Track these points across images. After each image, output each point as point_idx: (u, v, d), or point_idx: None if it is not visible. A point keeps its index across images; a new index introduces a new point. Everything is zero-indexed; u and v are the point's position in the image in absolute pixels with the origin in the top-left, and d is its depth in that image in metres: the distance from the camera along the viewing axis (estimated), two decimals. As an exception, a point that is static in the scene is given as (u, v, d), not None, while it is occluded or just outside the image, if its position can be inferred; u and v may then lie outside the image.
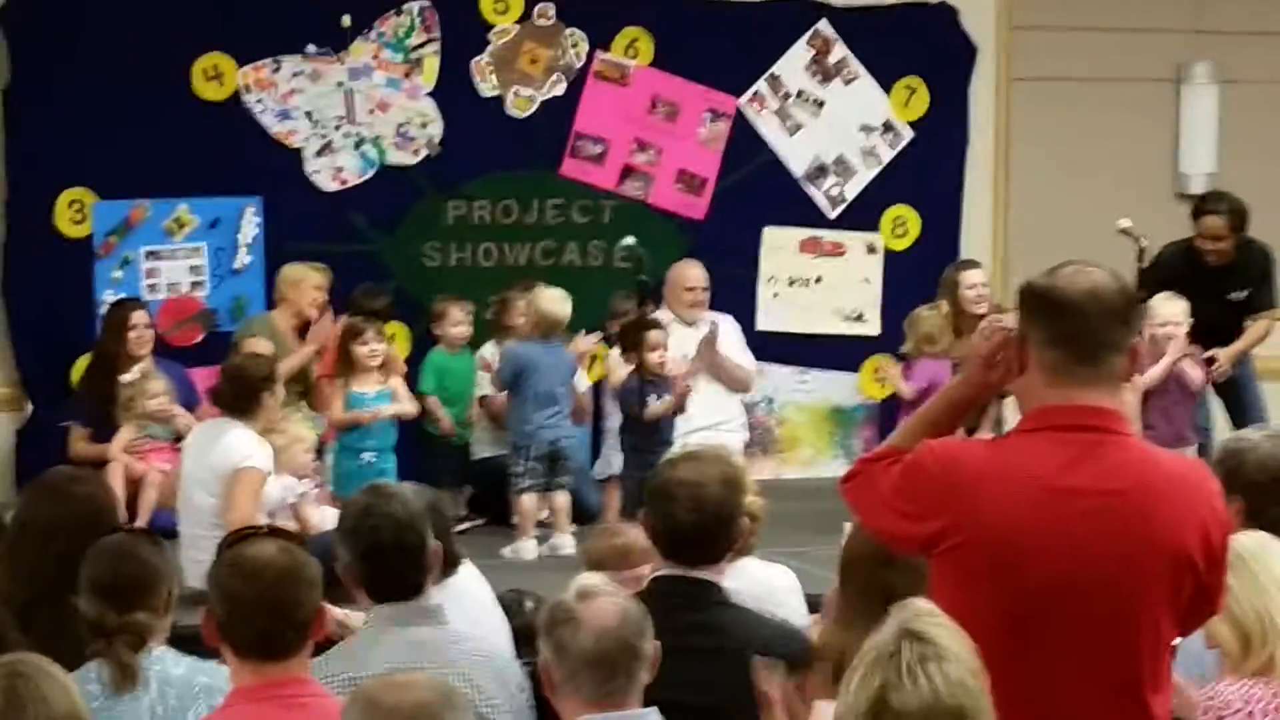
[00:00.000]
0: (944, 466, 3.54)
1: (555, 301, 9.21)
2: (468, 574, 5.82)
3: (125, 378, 9.32)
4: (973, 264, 10.43)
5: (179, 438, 9.00)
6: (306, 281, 9.81)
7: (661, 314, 9.93)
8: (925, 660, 3.12)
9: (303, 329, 9.81)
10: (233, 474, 7.75)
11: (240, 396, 7.96)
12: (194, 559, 7.22)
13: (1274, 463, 4.90)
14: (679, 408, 9.09)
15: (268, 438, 7.97)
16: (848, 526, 4.58)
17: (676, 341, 9.60)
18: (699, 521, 4.66)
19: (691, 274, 10.39)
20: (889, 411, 11.18)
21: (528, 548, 8.95)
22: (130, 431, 9.18)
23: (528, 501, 9.02)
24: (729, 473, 4.83)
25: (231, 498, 7.71)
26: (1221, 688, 4.42)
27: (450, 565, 5.59)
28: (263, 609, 3.88)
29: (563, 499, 9.07)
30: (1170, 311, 9.24)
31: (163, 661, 4.42)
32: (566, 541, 8.95)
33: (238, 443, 7.83)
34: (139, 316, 9.59)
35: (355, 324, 9.22)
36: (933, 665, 3.11)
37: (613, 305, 10.14)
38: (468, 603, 5.59)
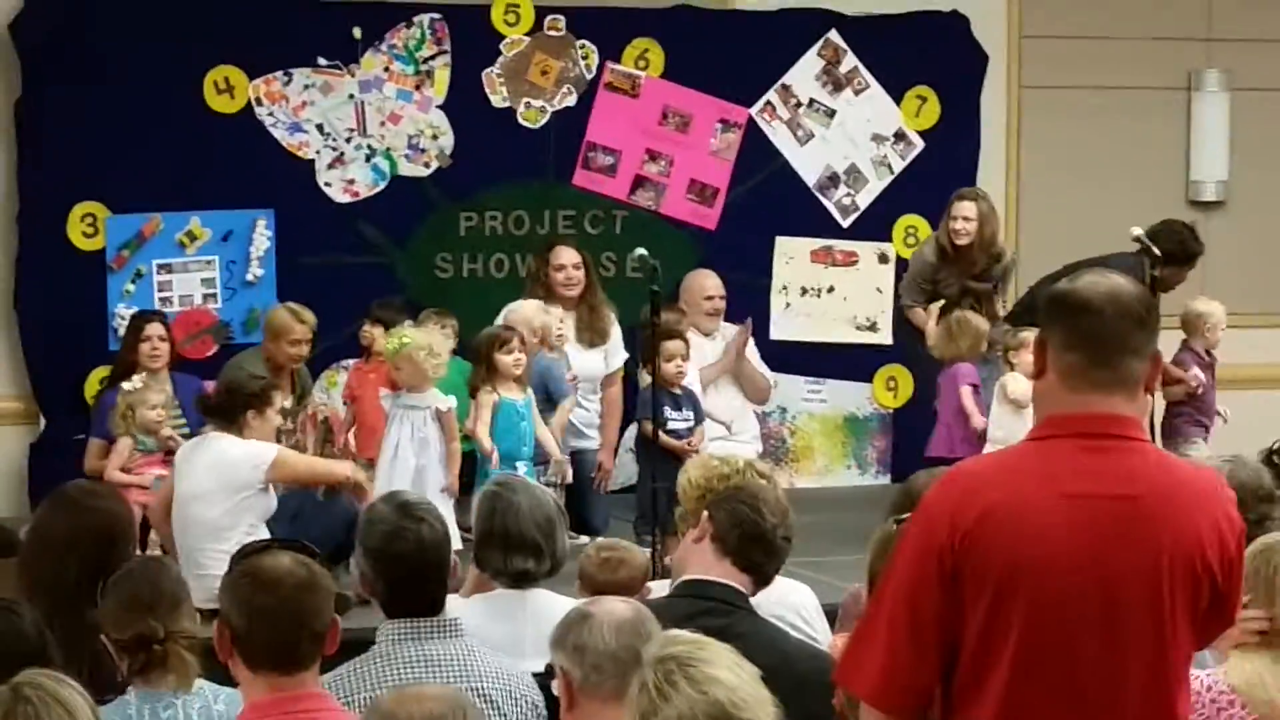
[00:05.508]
0: (953, 492, 3.49)
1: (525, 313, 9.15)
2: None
3: (125, 386, 8.99)
4: (971, 195, 10.08)
5: (169, 452, 8.60)
6: (285, 336, 9.32)
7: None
8: (670, 675, 3.29)
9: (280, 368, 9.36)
10: (267, 472, 7.48)
11: (227, 409, 7.67)
12: (195, 575, 6.72)
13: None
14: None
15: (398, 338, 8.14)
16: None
17: (694, 353, 9.56)
18: (779, 526, 4.79)
19: (710, 283, 10.39)
20: (901, 420, 11.21)
21: None
22: (126, 447, 8.77)
23: None
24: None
25: (290, 478, 7.66)
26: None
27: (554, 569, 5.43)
28: (282, 619, 3.85)
29: None
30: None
31: (202, 696, 4.31)
32: None
33: (235, 451, 7.52)
34: (154, 329, 9.42)
35: (501, 333, 8.78)
36: (677, 677, 3.29)
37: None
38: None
